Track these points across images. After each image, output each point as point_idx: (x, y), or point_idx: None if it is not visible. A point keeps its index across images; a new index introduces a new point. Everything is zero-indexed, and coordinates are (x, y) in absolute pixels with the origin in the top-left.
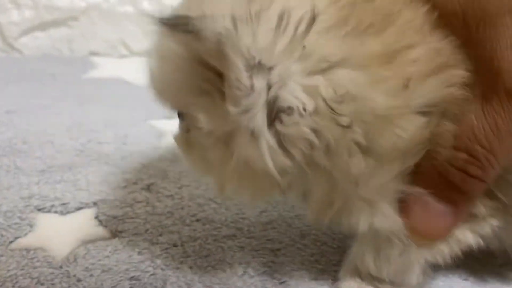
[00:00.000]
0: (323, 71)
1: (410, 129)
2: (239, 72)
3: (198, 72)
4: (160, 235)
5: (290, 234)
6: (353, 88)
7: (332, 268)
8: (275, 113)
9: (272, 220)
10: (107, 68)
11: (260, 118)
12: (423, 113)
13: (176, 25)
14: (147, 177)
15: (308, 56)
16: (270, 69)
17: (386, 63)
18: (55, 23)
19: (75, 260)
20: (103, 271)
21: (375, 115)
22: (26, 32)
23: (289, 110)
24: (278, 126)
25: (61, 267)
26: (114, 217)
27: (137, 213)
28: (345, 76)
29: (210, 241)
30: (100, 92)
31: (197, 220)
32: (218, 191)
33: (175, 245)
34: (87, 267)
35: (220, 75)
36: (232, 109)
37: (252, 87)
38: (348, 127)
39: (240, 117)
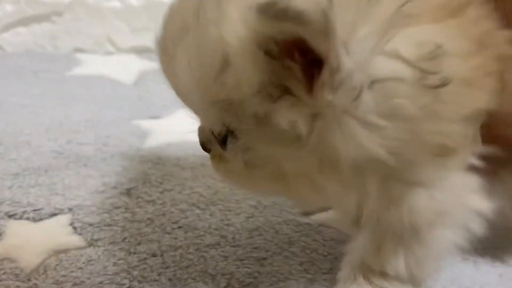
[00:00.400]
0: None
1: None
2: (339, 52)
3: (280, 68)
4: (139, 244)
5: (278, 241)
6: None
7: (322, 277)
8: (372, 89)
9: (258, 227)
10: (93, 65)
11: (364, 99)
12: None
13: (277, 12)
14: (127, 181)
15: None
16: (357, 45)
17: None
18: (38, 18)
19: (45, 272)
20: (75, 284)
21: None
22: (7, 27)
23: (385, 82)
24: (377, 102)
25: (29, 279)
26: (90, 224)
27: (115, 220)
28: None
29: (192, 251)
30: (84, 91)
31: (179, 228)
32: (303, 206)
33: (154, 255)
34: (57, 280)
35: (306, 67)
36: (329, 97)
37: (350, 67)
38: (441, 85)
39: (341, 104)
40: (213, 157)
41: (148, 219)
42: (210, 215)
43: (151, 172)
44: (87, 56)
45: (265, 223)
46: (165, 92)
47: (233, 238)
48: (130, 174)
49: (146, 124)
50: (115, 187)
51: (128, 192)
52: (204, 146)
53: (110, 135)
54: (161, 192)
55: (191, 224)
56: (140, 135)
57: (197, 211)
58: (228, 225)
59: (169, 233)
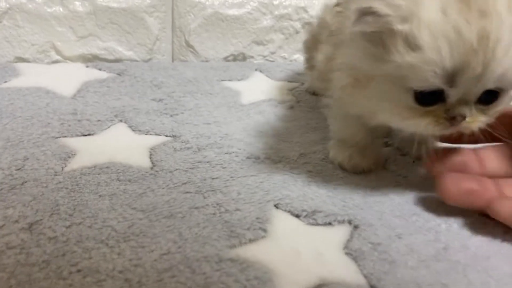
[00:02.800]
0: None
1: None
2: None
3: None
4: None
5: (192, 284)
6: None
7: None
8: None
9: (172, 266)
10: (32, 76)
11: None
12: None
13: None
14: (33, 213)
15: None
16: None
17: None
18: None
19: None
20: None
21: None
22: None
23: None
24: None
25: None
26: None
27: (4, 265)
28: None
29: None
30: (13, 105)
31: (78, 271)
32: None
33: None
34: None
35: None
36: None
37: None
38: None
39: None
40: (469, 119)
41: (44, 261)
42: (118, 254)
43: (63, 202)
44: (28, 66)
45: (182, 261)
46: (103, 105)
47: (138, 282)
48: (39, 205)
49: (74, 142)
50: (16, 221)
51: (30, 228)
52: (465, 116)
53: (28, 156)
54: (68, 227)
55: (92, 266)
56: (64, 156)
57: (104, 249)
58: (136, 265)
59: (64, 279)
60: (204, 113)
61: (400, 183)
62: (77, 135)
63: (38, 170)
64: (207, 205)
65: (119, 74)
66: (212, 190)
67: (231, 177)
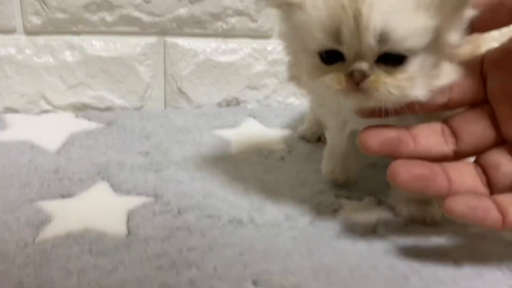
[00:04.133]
0: None
1: None
2: None
3: None
4: None
5: None
6: None
7: None
8: None
9: None
10: (20, 128)
11: None
12: None
13: None
14: None
15: None
16: None
17: None
18: None
19: None
20: None
21: None
22: None
23: None
24: None
25: None
26: None
27: None
28: None
29: None
30: None
31: None
32: None
33: None
34: None
35: None
36: None
37: None
38: None
39: None
40: (372, 78)
41: None
42: None
43: (28, 280)
44: (18, 117)
45: None
46: (87, 161)
47: None
48: (1, 284)
49: (51, 206)
50: None
51: None
52: (365, 73)
53: (0, 224)
54: None
55: None
56: (38, 223)
57: None
58: None
59: None
60: (190, 166)
61: (391, 251)
62: (56, 197)
63: (8, 242)
64: (179, 283)
65: (108, 125)
66: (187, 265)
67: (210, 247)
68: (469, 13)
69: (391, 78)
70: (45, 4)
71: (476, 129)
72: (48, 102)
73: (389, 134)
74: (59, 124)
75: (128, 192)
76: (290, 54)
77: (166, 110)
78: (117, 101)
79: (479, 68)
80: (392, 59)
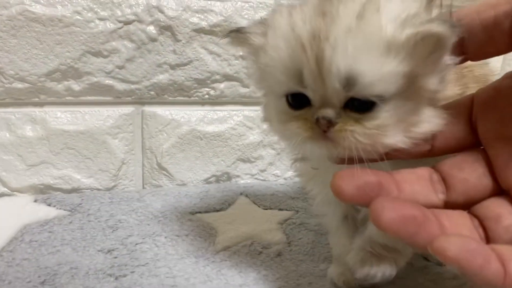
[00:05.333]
0: None
1: None
2: None
3: None
4: None
5: None
6: None
7: None
8: None
9: None
10: None
11: None
12: None
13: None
14: None
15: None
16: None
17: None
18: None
19: None
20: None
21: None
22: None
23: None
24: None
25: None
26: None
27: None
28: None
29: None
30: None
31: None
32: None
33: None
34: None
35: None
36: None
37: None
38: None
39: None
40: (338, 126)
41: None
42: None
43: None
44: None
45: None
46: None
47: None
48: None
49: None
50: None
51: None
52: (331, 121)
53: None
54: None
55: None
56: None
57: None
58: None
59: None
60: (162, 270)
61: None
62: None
63: None
64: None
65: (71, 211)
66: None
67: None
68: (447, 58)
69: (359, 125)
70: (0, 73)
71: (469, 176)
72: (3, 184)
73: (368, 179)
74: (12, 211)
75: None
76: (264, 99)
77: (142, 192)
78: (86, 181)
79: (468, 111)
80: (360, 105)
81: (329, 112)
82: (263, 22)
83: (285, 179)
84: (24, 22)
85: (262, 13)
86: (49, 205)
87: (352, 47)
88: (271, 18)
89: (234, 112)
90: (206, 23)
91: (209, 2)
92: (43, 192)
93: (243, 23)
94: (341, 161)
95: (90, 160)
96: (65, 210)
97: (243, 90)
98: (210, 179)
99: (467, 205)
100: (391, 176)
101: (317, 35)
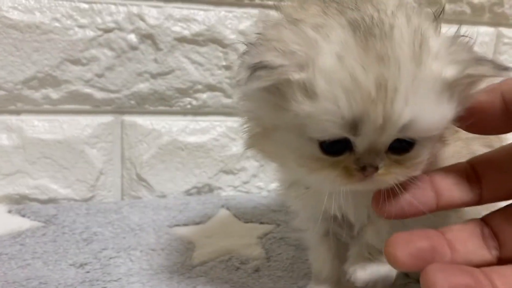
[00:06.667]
0: None
1: None
2: None
3: None
4: None
5: None
6: None
7: None
8: None
9: None
10: None
11: None
12: None
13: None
14: None
15: None
16: None
17: None
18: None
19: None
20: None
21: None
22: None
23: None
24: None
25: None
26: None
27: None
28: None
29: None
30: None
31: None
32: None
33: None
34: None
35: None
36: None
37: None
38: None
39: None
40: (382, 170)
41: None
42: None
43: None
44: None
45: None
46: (2, 279)
47: None
48: None
49: None
50: None
51: None
52: (376, 166)
53: None
54: None
55: None
56: None
57: None
58: None
59: None
60: (134, 285)
61: None
62: None
63: None
64: None
65: (45, 222)
66: None
67: None
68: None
69: (401, 167)
70: None
71: None
72: None
73: (421, 245)
74: None
75: None
76: (256, 124)
77: (120, 204)
78: (63, 191)
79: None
80: (403, 146)
81: (376, 160)
82: (277, 48)
83: (268, 191)
84: (0, 29)
85: (246, 23)
86: (23, 216)
87: (418, 97)
88: (305, 49)
89: (217, 122)
90: (188, 32)
91: (191, 11)
92: (18, 202)
93: (226, 32)
94: (378, 193)
95: (68, 170)
96: (39, 221)
97: (226, 101)
98: (191, 191)
99: None
100: (442, 237)
101: (383, 86)
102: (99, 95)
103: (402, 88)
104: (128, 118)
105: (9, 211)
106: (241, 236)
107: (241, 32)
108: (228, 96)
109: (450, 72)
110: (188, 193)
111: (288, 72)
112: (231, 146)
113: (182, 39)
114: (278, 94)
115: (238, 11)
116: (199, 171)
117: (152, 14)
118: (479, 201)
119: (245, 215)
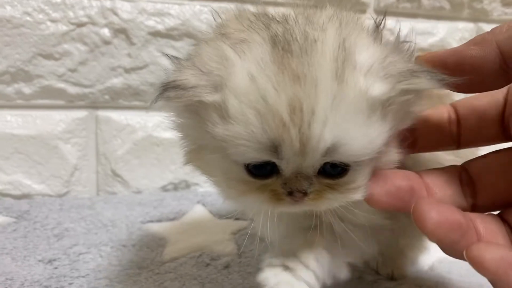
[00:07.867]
0: None
1: None
2: None
3: None
4: None
5: None
6: None
7: None
8: None
9: None
10: None
11: None
12: None
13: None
14: None
15: None
16: None
17: None
18: None
19: None
20: None
21: None
22: None
23: None
24: None
25: None
26: None
27: None
28: None
29: None
30: None
31: None
32: None
33: None
34: None
35: None
36: None
37: None
38: None
39: None
40: (313, 195)
41: None
42: None
43: None
44: None
45: None
46: None
47: None
48: None
49: None
50: None
51: None
52: (305, 191)
53: None
54: None
55: None
56: None
57: None
58: None
59: None
60: (101, 281)
61: None
62: None
63: None
64: None
65: (17, 218)
66: None
67: None
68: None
69: (334, 192)
70: None
71: (500, 181)
72: None
73: (400, 183)
74: None
75: None
76: (190, 144)
77: (94, 199)
78: (37, 187)
79: (501, 108)
80: (334, 170)
81: (304, 184)
82: (196, 66)
83: None
84: None
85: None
86: None
87: (340, 119)
88: (220, 69)
89: None
90: (162, 27)
91: (166, 5)
92: None
93: (202, 27)
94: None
95: (42, 166)
96: (11, 217)
97: None
98: (168, 187)
99: (494, 209)
100: (421, 179)
101: (298, 108)
102: (72, 90)
103: (319, 109)
104: (102, 113)
105: None
106: (214, 233)
107: None
108: None
109: (379, 89)
110: (164, 189)
111: (201, 94)
112: None
113: (156, 34)
114: (196, 115)
115: (214, 5)
116: (175, 167)
117: (126, 9)
118: (474, 206)
119: (221, 211)
